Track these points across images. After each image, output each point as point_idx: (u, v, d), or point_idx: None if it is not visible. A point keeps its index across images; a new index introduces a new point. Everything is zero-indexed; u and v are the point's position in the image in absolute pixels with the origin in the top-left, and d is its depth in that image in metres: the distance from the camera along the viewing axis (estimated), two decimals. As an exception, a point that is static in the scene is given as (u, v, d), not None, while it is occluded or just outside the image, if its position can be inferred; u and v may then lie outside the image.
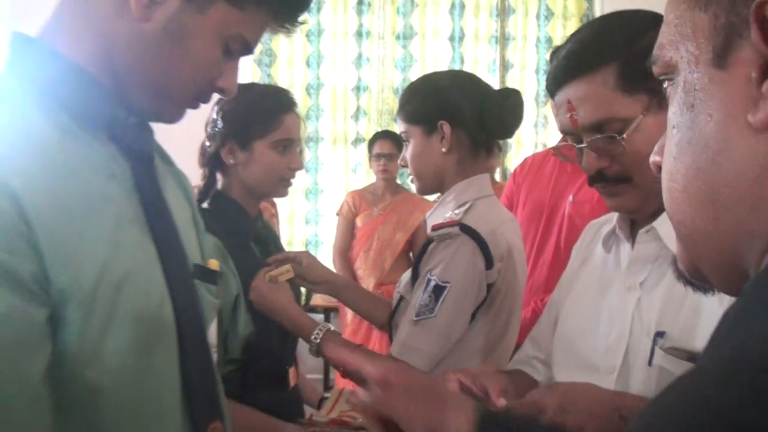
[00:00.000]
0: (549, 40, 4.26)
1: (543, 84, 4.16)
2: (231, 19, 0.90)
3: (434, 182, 1.70)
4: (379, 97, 4.29)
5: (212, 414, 1.00)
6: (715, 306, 1.03)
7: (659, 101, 1.09)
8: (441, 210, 1.67)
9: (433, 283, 1.52)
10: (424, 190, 1.77)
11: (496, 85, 4.09)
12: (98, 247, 0.83)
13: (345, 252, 3.76)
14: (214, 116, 1.75)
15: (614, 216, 1.27)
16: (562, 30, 4.22)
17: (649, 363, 1.11)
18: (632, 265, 1.20)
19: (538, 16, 4.28)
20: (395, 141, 3.70)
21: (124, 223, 0.88)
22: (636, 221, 1.22)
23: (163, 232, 0.94)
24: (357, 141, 4.30)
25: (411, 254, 3.76)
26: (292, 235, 4.41)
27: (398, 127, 1.74)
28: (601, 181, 1.16)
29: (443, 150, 1.63)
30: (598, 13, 4.19)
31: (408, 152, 1.70)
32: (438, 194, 1.81)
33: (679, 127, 0.52)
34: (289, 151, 1.77)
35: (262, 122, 1.72)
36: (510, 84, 4.23)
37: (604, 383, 1.11)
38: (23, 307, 0.75)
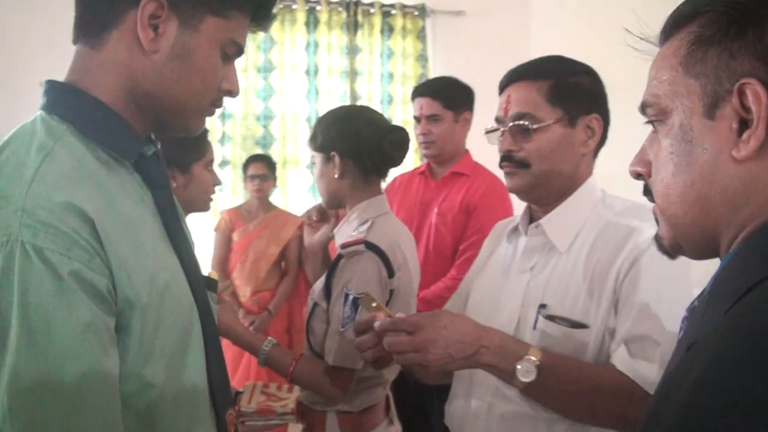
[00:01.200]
0: (391, 75, 4.66)
1: (387, 113, 4.59)
2: (220, 28, 0.96)
3: (333, 201, 1.90)
4: (243, 123, 4.48)
5: (228, 403, 1.07)
6: (581, 286, 1.30)
7: (570, 120, 1.35)
8: (347, 227, 1.83)
9: (351, 297, 1.68)
10: (327, 206, 1.97)
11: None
12: (146, 261, 0.89)
13: (223, 264, 3.93)
14: None
15: (517, 217, 1.51)
16: (402, 67, 4.65)
17: (534, 327, 1.32)
18: (524, 254, 1.43)
19: (381, 55, 4.66)
20: (267, 163, 4.01)
21: (157, 241, 0.96)
22: (533, 218, 1.44)
23: (183, 248, 1.01)
24: (223, 163, 4.47)
25: (282, 264, 4.01)
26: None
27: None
28: (507, 161, 1.38)
29: (335, 176, 1.82)
30: (430, 54, 4.72)
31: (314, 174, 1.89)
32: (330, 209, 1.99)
33: (678, 153, 0.71)
34: (212, 170, 1.96)
35: (197, 146, 1.87)
36: (359, 113, 4.65)
37: None
38: (102, 316, 0.81)
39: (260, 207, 4.03)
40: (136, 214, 0.93)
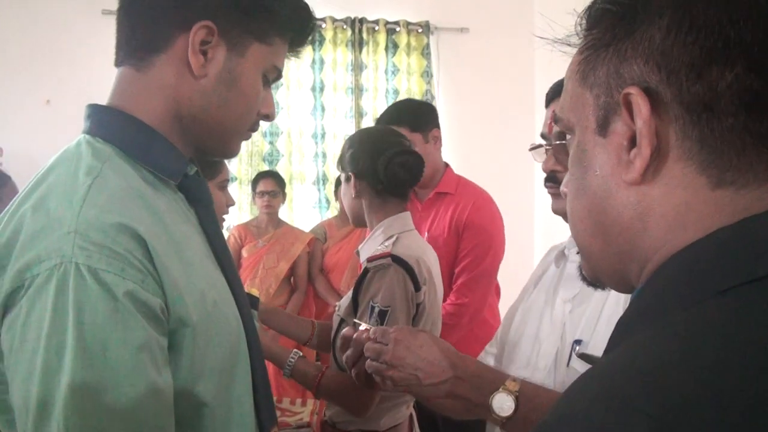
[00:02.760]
0: (396, 91, 4.70)
1: (392, 129, 4.77)
2: (264, 55, 0.99)
3: (354, 219, 1.92)
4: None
5: (272, 419, 1.06)
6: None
7: None
8: (371, 243, 1.84)
9: (377, 309, 1.66)
10: (353, 223, 1.97)
11: (351, 130, 4.59)
12: (196, 280, 0.89)
13: (232, 280, 3.95)
14: None
15: (567, 240, 1.39)
16: (407, 83, 4.69)
17: (567, 364, 1.22)
18: (566, 282, 1.32)
19: (386, 72, 4.70)
20: (276, 180, 4.03)
21: (204, 259, 0.96)
22: None
23: (228, 266, 1.01)
24: (231, 180, 4.40)
25: (292, 280, 4.01)
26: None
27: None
28: (552, 182, 1.30)
29: (353, 195, 1.87)
30: (435, 71, 4.76)
31: None
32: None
33: (575, 175, 0.63)
34: (226, 191, 1.98)
35: (211, 166, 1.88)
36: (364, 129, 4.68)
37: (538, 377, 1.23)
38: (155, 336, 0.80)
39: (269, 223, 4.05)
40: (183, 233, 0.93)
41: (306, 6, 1.04)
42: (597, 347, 1.19)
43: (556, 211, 1.32)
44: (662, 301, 0.52)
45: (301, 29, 1.04)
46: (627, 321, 0.56)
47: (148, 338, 0.79)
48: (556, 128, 1.29)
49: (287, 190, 4.44)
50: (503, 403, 1.05)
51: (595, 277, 0.67)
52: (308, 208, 4.69)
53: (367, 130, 2.10)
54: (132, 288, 0.78)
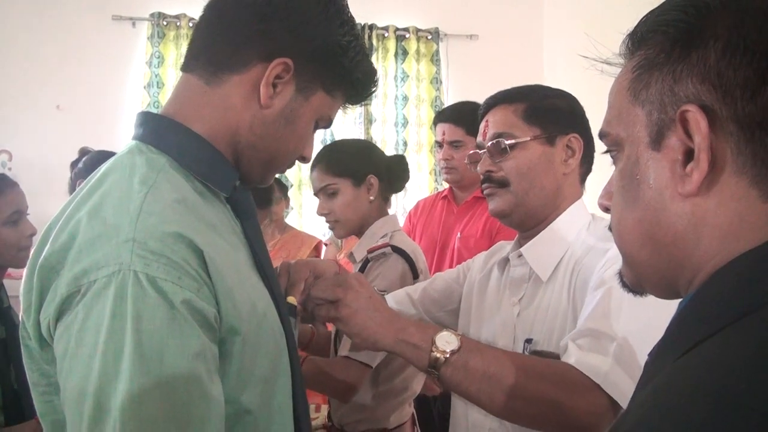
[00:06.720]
0: (405, 97, 4.71)
1: (402, 135, 4.68)
2: (325, 103, 1.03)
3: (357, 226, 1.93)
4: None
5: (309, 428, 1.08)
6: (567, 316, 1.25)
7: (548, 138, 1.35)
8: (365, 243, 1.90)
9: None
10: (347, 234, 1.99)
11: (361, 136, 4.60)
12: (246, 289, 0.90)
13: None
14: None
15: (509, 245, 1.48)
16: (416, 90, 4.71)
17: None
18: (512, 285, 1.40)
19: (396, 78, 4.74)
20: (278, 185, 3.96)
21: (250, 270, 0.97)
22: (521, 247, 1.40)
23: (272, 278, 1.02)
24: None
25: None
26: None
27: (322, 180, 1.90)
28: (488, 182, 1.38)
29: (371, 198, 1.90)
30: (444, 77, 4.79)
31: (336, 202, 1.90)
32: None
33: (626, 188, 0.65)
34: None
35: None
36: (374, 135, 4.68)
37: None
38: (209, 344, 0.81)
39: (276, 228, 4.03)
40: (232, 243, 0.94)
41: (375, 74, 1.11)
42: (548, 343, 1.25)
43: (493, 212, 1.40)
44: (722, 306, 0.55)
45: (363, 92, 1.10)
46: (683, 324, 0.59)
47: (203, 347, 0.80)
48: (489, 133, 1.38)
49: (296, 195, 4.44)
50: (448, 338, 1.10)
51: (638, 284, 0.70)
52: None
53: (346, 141, 2.20)
54: (188, 297, 0.79)
